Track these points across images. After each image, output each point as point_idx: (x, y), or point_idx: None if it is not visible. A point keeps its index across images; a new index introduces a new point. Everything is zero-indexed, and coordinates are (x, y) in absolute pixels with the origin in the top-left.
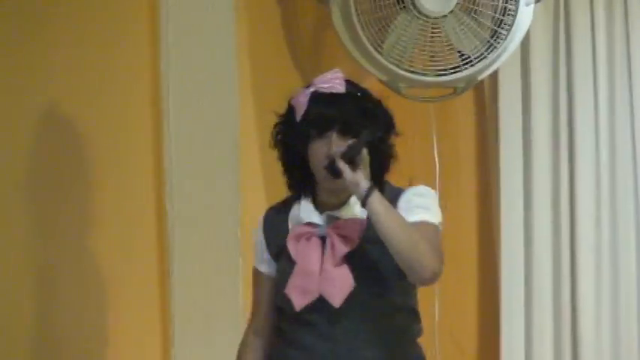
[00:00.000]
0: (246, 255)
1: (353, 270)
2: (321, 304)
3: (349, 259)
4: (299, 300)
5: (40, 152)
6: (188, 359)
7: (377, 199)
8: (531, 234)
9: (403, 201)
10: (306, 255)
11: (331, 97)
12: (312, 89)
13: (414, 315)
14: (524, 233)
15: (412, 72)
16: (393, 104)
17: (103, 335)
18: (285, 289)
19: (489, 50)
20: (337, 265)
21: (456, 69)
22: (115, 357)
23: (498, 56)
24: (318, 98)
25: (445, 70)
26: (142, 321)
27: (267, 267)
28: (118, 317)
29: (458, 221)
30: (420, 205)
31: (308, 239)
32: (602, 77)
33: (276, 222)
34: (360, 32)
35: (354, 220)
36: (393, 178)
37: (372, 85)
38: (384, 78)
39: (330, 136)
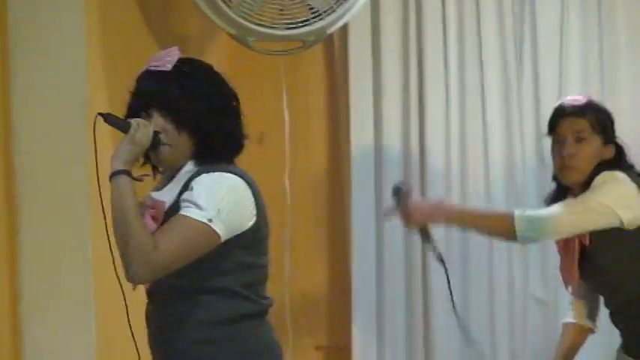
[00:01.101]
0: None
1: None
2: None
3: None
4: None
5: None
6: (36, 319)
7: (120, 182)
8: (381, 182)
9: (187, 193)
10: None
11: (156, 75)
12: (145, 67)
13: (216, 300)
14: (374, 186)
15: (261, 25)
16: (243, 59)
17: None
18: None
19: (338, 3)
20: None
21: (305, 22)
22: None
23: (348, 9)
24: (145, 76)
25: (294, 23)
26: None
27: None
28: None
29: (307, 175)
30: (190, 199)
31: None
32: (451, 27)
33: None
34: None
35: (157, 201)
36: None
37: (222, 38)
38: (233, 31)
39: (151, 113)
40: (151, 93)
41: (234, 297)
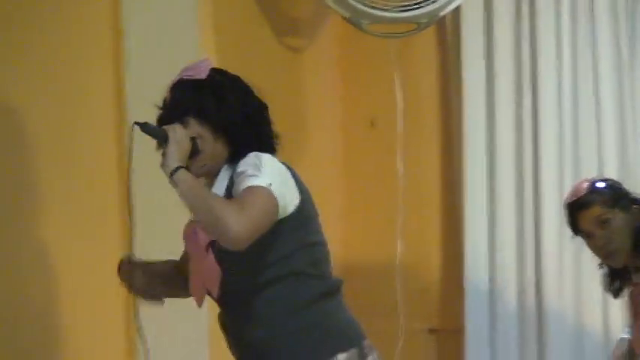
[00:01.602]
0: None
1: (220, 260)
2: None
3: (212, 246)
4: (197, 297)
5: None
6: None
7: (181, 177)
8: (494, 167)
9: (235, 175)
10: (192, 250)
11: (190, 85)
12: (177, 77)
13: (295, 283)
14: (487, 167)
15: (375, 8)
16: (355, 42)
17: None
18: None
19: None
20: (204, 255)
21: (418, 5)
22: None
23: None
24: (178, 85)
25: (407, 5)
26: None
27: None
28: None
29: (420, 159)
30: (246, 173)
31: (194, 232)
32: (565, 11)
33: None
34: None
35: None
36: (354, 120)
37: (336, 21)
38: (347, 15)
39: (188, 121)
40: (187, 101)
41: (305, 278)
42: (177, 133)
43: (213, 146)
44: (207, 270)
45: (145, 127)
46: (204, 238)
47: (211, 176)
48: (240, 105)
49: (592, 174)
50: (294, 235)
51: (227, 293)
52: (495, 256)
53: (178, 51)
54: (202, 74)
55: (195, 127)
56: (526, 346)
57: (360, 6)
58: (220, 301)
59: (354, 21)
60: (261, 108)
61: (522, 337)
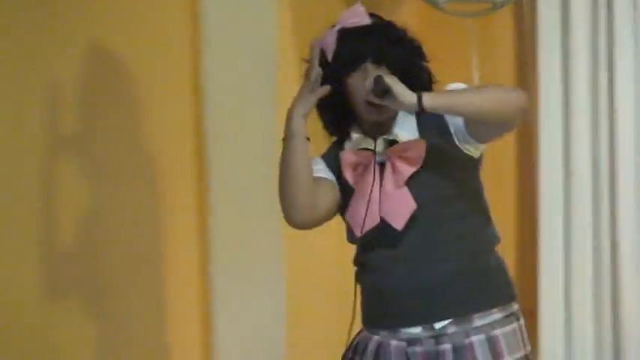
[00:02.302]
0: None
1: (414, 190)
2: (386, 227)
3: (409, 181)
4: (359, 226)
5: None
6: (226, 281)
7: (429, 95)
8: (570, 149)
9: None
10: (365, 181)
11: (359, 31)
12: (337, 27)
13: (483, 222)
14: (562, 149)
15: None
16: (433, 21)
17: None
18: (346, 216)
19: None
20: (399, 187)
21: None
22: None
23: None
24: (345, 34)
25: None
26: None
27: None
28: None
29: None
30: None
31: (365, 166)
32: None
33: (335, 157)
34: None
35: (415, 141)
36: None
37: (413, 2)
38: None
39: (365, 67)
40: (363, 47)
41: (489, 220)
42: (388, 76)
43: None
44: (397, 202)
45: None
46: (406, 170)
47: (384, 127)
48: (410, 42)
49: None
50: (480, 176)
51: (409, 227)
52: (571, 233)
53: (256, 33)
54: (365, 20)
55: (374, 72)
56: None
57: None
58: (391, 236)
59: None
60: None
61: (597, 316)
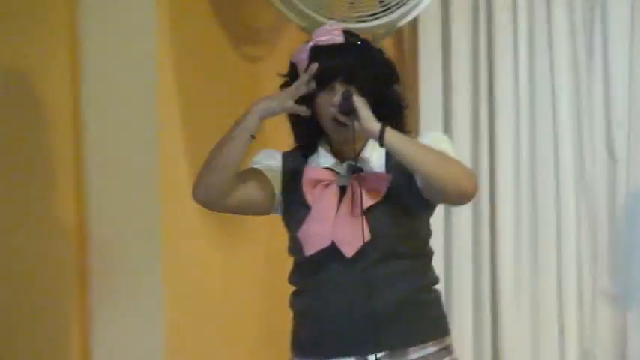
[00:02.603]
0: (166, 200)
1: (370, 221)
2: (334, 251)
3: (367, 211)
4: (310, 245)
5: None
6: (105, 311)
7: (393, 132)
8: None
9: (423, 139)
10: (324, 200)
11: (331, 49)
12: (311, 44)
13: (427, 263)
14: None
15: (331, 19)
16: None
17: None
18: (298, 232)
19: None
20: (355, 215)
21: (374, 16)
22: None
23: (417, 3)
24: (318, 51)
25: (364, 16)
26: (59, 278)
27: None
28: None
29: None
30: (440, 141)
31: (326, 186)
32: (522, 26)
33: (295, 164)
34: None
35: (381, 175)
36: None
37: (293, 31)
38: (304, 24)
39: (334, 86)
40: (333, 65)
41: (430, 264)
42: (357, 97)
43: None
44: (351, 229)
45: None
46: (366, 201)
47: (349, 150)
48: (381, 63)
49: (549, 179)
50: (430, 221)
51: (358, 256)
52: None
53: (137, 60)
54: (337, 38)
55: (342, 89)
56: None
57: (317, 16)
58: (338, 262)
59: (311, 31)
60: (394, 66)
61: None
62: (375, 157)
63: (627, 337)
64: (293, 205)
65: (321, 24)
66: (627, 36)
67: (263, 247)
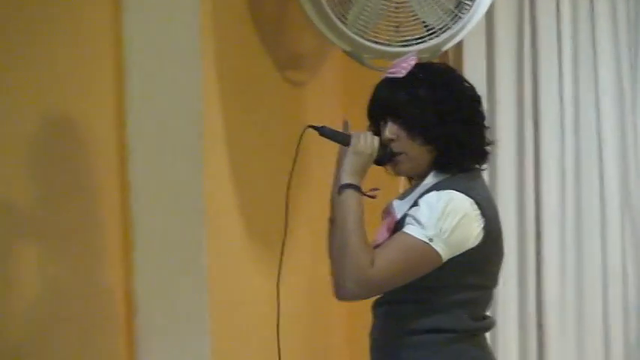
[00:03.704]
0: (212, 228)
1: None
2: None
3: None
4: None
5: None
6: (152, 333)
7: (344, 197)
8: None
9: (414, 207)
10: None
11: (390, 82)
12: (382, 76)
13: (428, 308)
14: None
15: (376, 42)
16: (358, 76)
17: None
18: None
19: (454, 21)
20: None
21: (420, 39)
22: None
23: (463, 27)
24: (381, 84)
25: (410, 40)
26: (106, 301)
27: None
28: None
29: None
30: (414, 215)
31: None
32: (566, 48)
33: None
34: (324, 2)
35: (391, 214)
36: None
37: (337, 55)
38: (348, 49)
39: (387, 120)
40: (384, 100)
41: (439, 312)
42: (361, 142)
43: (411, 147)
44: None
45: (323, 130)
46: (378, 238)
47: (419, 178)
48: (433, 101)
49: (594, 200)
50: (458, 271)
51: (380, 300)
52: None
53: (182, 88)
54: (402, 71)
55: (393, 128)
56: None
57: (361, 40)
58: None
59: (356, 55)
60: (464, 104)
61: None
62: (409, 196)
63: None
64: None
65: (366, 48)
66: None
67: (307, 275)
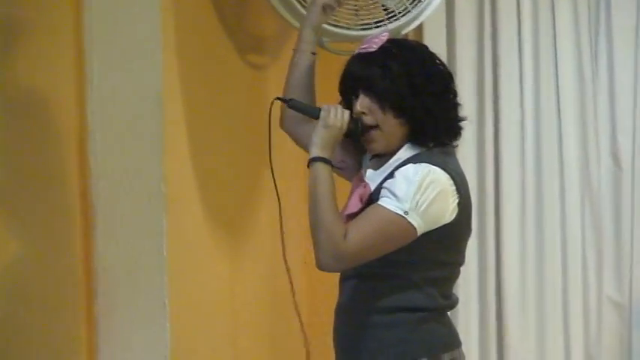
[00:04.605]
0: (172, 211)
1: None
2: None
3: (347, 218)
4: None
5: None
6: (111, 317)
7: (314, 169)
8: None
9: (390, 179)
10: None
11: (363, 57)
12: (354, 52)
13: (399, 285)
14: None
15: (336, 26)
16: (319, 61)
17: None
18: None
19: (413, 4)
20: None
21: (379, 23)
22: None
23: (422, 10)
24: (353, 59)
25: (369, 24)
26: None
27: None
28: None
29: None
30: (389, 188)
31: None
32: (526, 31)
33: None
34: None
35: (367, 184)
36: None
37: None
38: None
39: (359, 94)
40: (356, 73)
41: (413, 288)
42: (331, 115)
43: (383, 120)
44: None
45: (291, 103)
46: (350, 207)
47: (389, 152)
48: (407, 75)
49: (554, 188)
50: (429, 247)
51: (347, 272)
52: None
53: (141, 71)
54: (374, 46)
55: (365, 101)
56: None
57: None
58: (341, 278)
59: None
60: (436, 79)
61: None
62: (382, 168)
63: (632, 344)
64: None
65: (326, 32)
66: (632, 43)
67: (268, 259)
